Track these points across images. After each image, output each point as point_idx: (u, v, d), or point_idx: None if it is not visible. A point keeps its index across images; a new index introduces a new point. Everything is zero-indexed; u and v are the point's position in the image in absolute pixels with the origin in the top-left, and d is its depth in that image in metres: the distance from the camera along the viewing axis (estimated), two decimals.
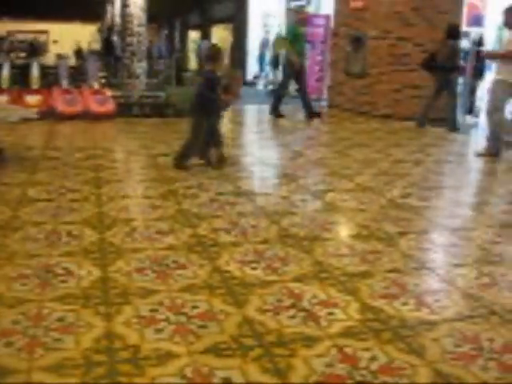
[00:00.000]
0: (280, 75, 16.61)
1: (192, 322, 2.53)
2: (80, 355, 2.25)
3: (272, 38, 17.81)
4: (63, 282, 2.94)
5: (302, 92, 10.67)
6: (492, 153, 7.21)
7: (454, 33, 9.49)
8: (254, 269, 3.17)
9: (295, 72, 10.37)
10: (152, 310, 2.64)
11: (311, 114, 10.47)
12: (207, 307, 2.68)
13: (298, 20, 10.88)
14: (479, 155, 7.32)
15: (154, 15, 15.71)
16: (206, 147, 5.79)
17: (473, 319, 2.71)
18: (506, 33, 7.18)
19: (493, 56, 7.10)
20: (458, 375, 2.22)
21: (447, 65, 9.24)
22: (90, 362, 2.20)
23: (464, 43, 11.88)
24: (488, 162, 7.01)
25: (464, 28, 11.85)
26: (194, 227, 3.88)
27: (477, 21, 12.22)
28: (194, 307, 2.68)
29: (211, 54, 5.84)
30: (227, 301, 2.76)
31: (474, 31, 12.06)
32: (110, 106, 9.58)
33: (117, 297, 2.78)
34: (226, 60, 23.40)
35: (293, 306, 2.73)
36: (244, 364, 2.22)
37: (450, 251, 3.75)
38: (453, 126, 9.33)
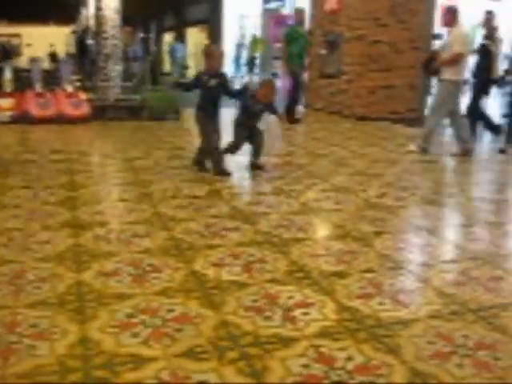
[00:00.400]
0: (256, 77, 16.72)
1: (168, 326, 2.52)
2: (55, 361, 2.22)
3: (248, 39, 17.86)
4: (37, 287, 2.90)
5: (292, 95, 10.50)
6: (466, 152, 7.33)
7: None
8: (230, 271, 3.16)
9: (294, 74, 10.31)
10: (127, 314, 2.61)
11: (290, 118, 10.05)
12: (183, 310, 2.67)
13: (298, 20, 10.63)
14: (452, 155, 7.43)
15: (129, 17, 15.62)
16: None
17: (447, 317, 2.73)
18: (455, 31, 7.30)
19: (442, 64, 7.22)
20: (433, 373, 2.24)
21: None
22: (64, 368, 2.18)
23: (437, 45, 12.01)
24: (462, 162, 7.10)
25: (436, 30, 11.99)
26: (170, 230, 3.87)
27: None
28: (170, 310, 2.67)
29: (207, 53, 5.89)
30: (203, 304, 2.75)
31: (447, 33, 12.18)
32: (85, 110, 9.50)
33: (92, 301, 2.75)
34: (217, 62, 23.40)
35: (269, 307, 2.73)
36: (220, 366, 2.21)
37: (425, 251, 3.78)
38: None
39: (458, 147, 7.41)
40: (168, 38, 28.77)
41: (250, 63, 16.79)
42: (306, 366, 2.24)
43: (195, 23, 25.27)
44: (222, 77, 5.77)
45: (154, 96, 10.27)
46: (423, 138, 7.50)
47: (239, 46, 18.55)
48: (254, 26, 18.29)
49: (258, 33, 17.35)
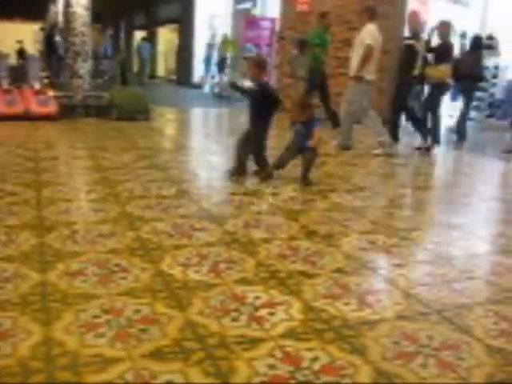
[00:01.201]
0: (227, 78, 16.70)
1: (133, 326, 2.49)
2: (17, 363, 2.18)
3: (218, 39, 17.82)
4: (0, 288, 2.85)
5: (326, 101, 10.24)
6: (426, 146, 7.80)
7: (478, 43, 9.73)
8: (197, 272, 3.15)
9: (320, 81, 10.05)
10: (92, 315, 2.58)
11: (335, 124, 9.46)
12: (149, 311, 2.65)
13: (325, 24, 10.19)
14: (416, 149, 7.65)
15: (99, 15, 15.48)
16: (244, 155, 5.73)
17: (413, 318, 2.77)
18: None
19: (359, 66, 7.43)
20: (398, 373, 2.26)
21: (474, 74, 9.56)
22: (27, 370, 2.14)
23: None
24: (426, 158, 7.20)
25: (407, 34, 12.13)
26: (137, 230, 3.83)
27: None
28: (136, 311, 2.64)
29: (258, 63, 5.74)
30: (170, 304, 2.73)
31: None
32: (52, 107, 9.37)
33: (56, 302, 2.71)
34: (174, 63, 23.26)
35: (236, 308, 2.73)
36: (186, 367, 2.20)
37: (391, 251, 3.82)
38: (462, 136, 9.69)
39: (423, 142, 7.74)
40: (139, 36, 28.57)
41: (221, 63, 16.74)
42: (272, 366, 2.24)
43: (166, 22, 25.13)
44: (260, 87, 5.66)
45: (123, 95, 10.18)
46: (380, 138, 7.65)
47: (210, 46, 18.47)
48: (225, 26, 18.25)
49: (229, 33, 17.32)
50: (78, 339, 2.37)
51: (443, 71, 8.04)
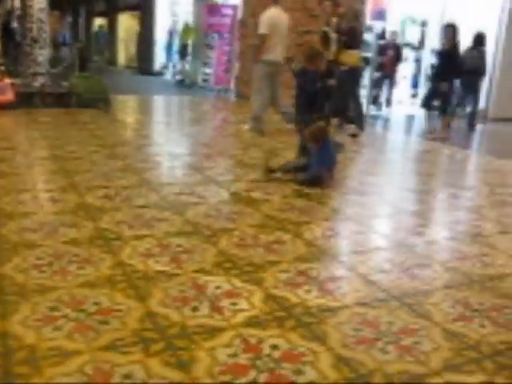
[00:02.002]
0: (188, 66, 16.55)
1: (92, 319, 2.46)
2: None
3: (180, 26, 17.62)
4: None
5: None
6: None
7: (480, 40, 9.91)
8: (157, 262, 3.12)
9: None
10: (50, 308, 2.53)
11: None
12: (108, 302, 2.61)
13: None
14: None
15: (57, 1, 15.14)
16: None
17: (373, 304, 2.79)
18: None
19: (257, 52, 7.76)
20: (358, 359, 2.28)
21: (478, 70, 9.83)
22: None
23: (367, 36, 12.25)
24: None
25: (368, 22, 12.21)
26: (97, 221, 3.77)
27: (380, 15, 12.61)
28: (95, 303, 2.60)
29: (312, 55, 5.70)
30: (129, 295, 2.70)
31: (378, 25, 12.45)
32: (9, 95, 9.14)
33: (13, 295, 2.65)
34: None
35: (197, 297, 2.71)
36: (146, 358, 2.18)
37: (351, 238, 3.85)
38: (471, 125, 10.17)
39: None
40: (99, 23, 28.06)
41: (182, 51, 16.56)
42: (233, 355, 2.24)
43: (127, 9, 24.74)
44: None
45: (82, 83, 9.99)
46: (254, 119, 7.90)
47: (171, 33, 18.25)
48: (186, 13, 18.03)
49: (191, 20, 17.13)
50: (35, 332, 2.32)
51: (354, 56, 8.27)
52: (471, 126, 10.35)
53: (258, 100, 7.91)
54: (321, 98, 5.81)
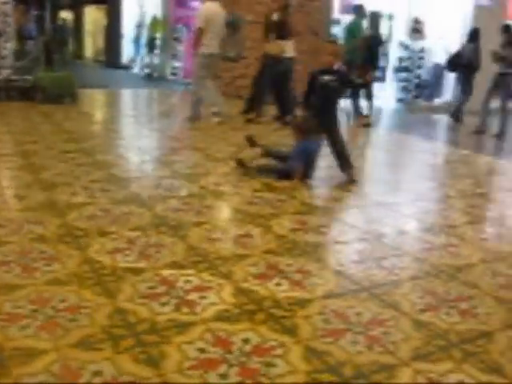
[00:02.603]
0: (156, 59, 16.40)
1: (60, 316, 2.42)
2: None
3: (148, 19, 17.43)
4: None
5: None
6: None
7: (476, 35, 10.29)
8: (126, 257, 3.08)
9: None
10: (17, 306, 2.48)
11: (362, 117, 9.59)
12: (76, 299, 2.57)
13: (360, 11, 10.09)
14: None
15: None
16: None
17: (343, 296, 2.81)
18: None
19: (194, 45, 8.04)
20: (328, 351, 2.29)
21: (473, 64, 10.06)
22: None
23: (336, 31, 12.31)
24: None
25: (336, 16, 12.26)
26: (64, 217, 3.72)
27: (348, 9, 12.65)
28: (63, 300, 2.56)
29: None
30: (98, 292, 2.66)
31: (346, 19, 12.50)
32: None
33: None
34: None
35: (166, 292, 2.69)
36: (115, 355, 2.16)
37: (320, 231, 3.86)
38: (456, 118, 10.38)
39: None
40: (65, 16, 27.63)
41: (150, 44, 16.39)
42: (202, 350, 2.23)
43: (93, 1, 24.40)
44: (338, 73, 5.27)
45: (48, 77, 9.83)
46: (210, 106, 8.18)
47: (139, 26, 18.04)
48: (154, 5, 17.83)
49: (159, 13, 16.96)
50: (1, 332, 2.28)
51: (276, 47, 8.44)
52: (457, 120, 10.51)
53: (205, 89, 8.16)
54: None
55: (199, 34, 7.87)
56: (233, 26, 11.52)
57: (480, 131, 9.46)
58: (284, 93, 8.77)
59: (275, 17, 8.50)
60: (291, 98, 8.66)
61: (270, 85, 8.71)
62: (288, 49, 8.58)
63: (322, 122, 5.15)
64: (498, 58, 9.31)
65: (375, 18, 10.05)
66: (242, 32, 11.37)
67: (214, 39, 7.98)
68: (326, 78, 5.12)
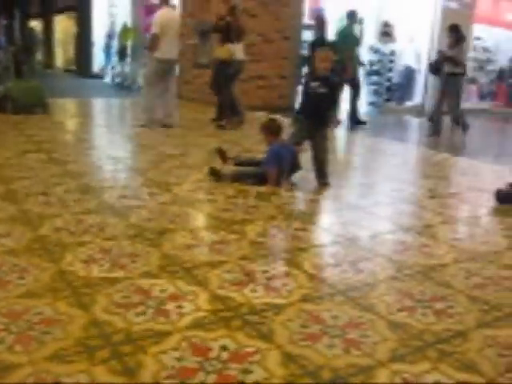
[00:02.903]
0: (128, 67, 16.32)
1: (34, 329, 2.38)
2: None
3: (118, 27, 17.36)
4: None
5: (354, 100, 10.51)
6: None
7: (460, 37, 10.23)
8: (100, 268, 3.05)
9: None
10: None
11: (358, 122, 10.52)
12: (51, 312, 2.54)
13: (353, 17, 10.47)
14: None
15: None
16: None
17: (318, 300, 2.82)
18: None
19: (150, 50, 8.29)
20: (305, 355, 2.29)
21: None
22: None
23: (306, 36, 12.39)
24: None
25: (306, 21, 12.35)
26: (36, 228, 3.67)
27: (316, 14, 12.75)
28: (37, 313, 2.52)
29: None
30: (72, 303, 2.63)
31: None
32: None
33: None
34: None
35: (141, 302, 2.67)
36: (91, 367, 2.13)
37: (295, 236, 3.87)
38: (464, 126, 9.85)
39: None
40: (34, 25, 27.37)
41: (121, 52, 16.32)
42: (179, 359, 2.21)
43: (63, 10, 24.22)
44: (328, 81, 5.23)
45: (18, 87, 9.72)
46: (144, 113, 8.41)
47: (109, 34, 17.96)
48: (124, 14, 17.77)
49: (129, 21, 16.90)
50: None
51: (226, 50, 8.68)
52: (457, 124, 10.03)
53: (148, 94, 8.43)
54: None
55: (155, 39, 8.08)
56: (204, 32, 11.56)
57: (434, 133, 9.53)
58: (223, 96, 8.95)
59: (223, 21, 8.71)
60: (229, 102, 8.87)
61: (226, 87, 8.90)
62: (238, 52, 8.74)
63: (312, 123, 5.22)
64: (445, 58, 9.43)
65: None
66: (212, 39, 11.41)
67: (169, 44, 8.18)
68: (313, 84, 5.19)
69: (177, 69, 9.63)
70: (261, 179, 5.02)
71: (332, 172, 5.49)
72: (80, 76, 20.01)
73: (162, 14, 8.17)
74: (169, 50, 8.17)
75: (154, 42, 8.10)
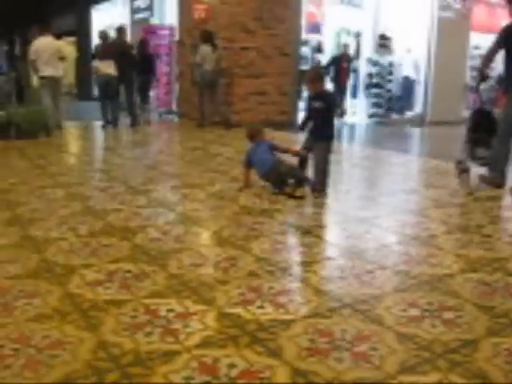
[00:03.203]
0: None
1: (43, 353, 2.38)
2: None
3: None
4: None
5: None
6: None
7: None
8: (107, 289, 3.06)
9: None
10: None
11: None
12: (59, 335, 2.54)
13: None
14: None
15: None
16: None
17: (326, 314, 2.81)
18: None
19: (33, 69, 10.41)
20: (315, 370, 2.28)
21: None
22: None
23: (304, 50, 12.47)
24: None
25: (304, 36, 12.43)
26: (42, 252, 3.68)
27: (315, 29, 12.85)
28: (45, 337, 2.53)
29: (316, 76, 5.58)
30: (80, 326, 2.64)
31: (314, 38, 12.70)
32: None
33: None
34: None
35: (149, 322, 2.67)
36: None
37: (300, 251, 3.88)
38: None
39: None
40: None
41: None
42: (188, 377, 2.21)
43: (63, 35, 24.44)
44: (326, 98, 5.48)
45: (21, 112, 9.79)
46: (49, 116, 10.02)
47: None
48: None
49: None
50: None
51: (104, 66, 10.74)
52: None
53: (44, 99, 10.24)
54: None
55: (32, 63, 10.12)
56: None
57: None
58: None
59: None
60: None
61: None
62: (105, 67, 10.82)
63: (315, 135, 5.48)
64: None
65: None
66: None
67: (45, 65, 10.05)
68: (314, 103, 5.42)
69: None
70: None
71: (335, 183, 5.49)
72: (82, 99, 20.12)
73: (33, 44, 10.15)
74: (45, 68, 10.03)
75: (32, 66, 10.20)
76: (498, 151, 5.96)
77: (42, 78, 10.15)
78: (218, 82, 10.88)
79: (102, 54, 10.95)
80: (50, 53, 10.14)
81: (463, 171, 5.97)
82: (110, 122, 11.13)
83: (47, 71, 10.11)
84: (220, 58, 10.76)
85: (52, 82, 10.19)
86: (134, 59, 11.58)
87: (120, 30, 11.44)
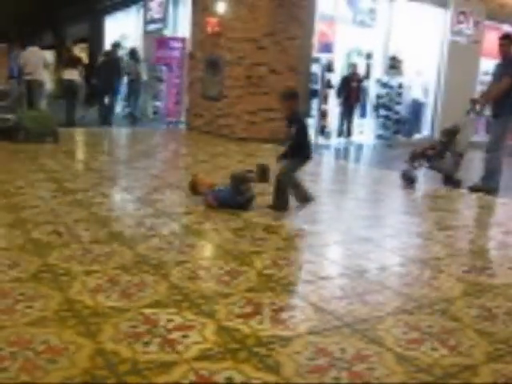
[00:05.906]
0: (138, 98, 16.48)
1: (41, 358, 2.38)
2: None
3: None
4: None
5: None
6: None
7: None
8: (107, 297, 3.06)
9: None
10: None
11: None
12: (57, 341, 2.54)
13: None
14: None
15: (4, 34, 15.10)
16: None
17: (326, 332, 2.80)
18: None
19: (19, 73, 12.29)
20: None
21: None
22: None
23: (315, 68, 12.52)
24: None
25: (315, 54, 12.49)
26: (45, 257, 3.68)
27: (327, 48, 12.91)
28: (43, 342, 2.52)
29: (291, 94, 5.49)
30: (79, 332, 2.63)
31: (325, 57, 12.76)
32: None
33: None
34: None
35: (148, 332, 2.67)
36: None
37: (303, 267, 3.87)
38: None
39: None
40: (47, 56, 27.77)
41: (131, 84, 16.50)
42: None
43: (75, 42, 24.65)
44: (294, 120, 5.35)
45: (30, 116, 9.85)
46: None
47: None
48: (136, 47, 18.02)
49: (141, 54, 17.13)
50: None
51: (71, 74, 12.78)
52: None
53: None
54: None
55: (22, 68, 11.88)
56: (214, 65, 11.70)
57: None
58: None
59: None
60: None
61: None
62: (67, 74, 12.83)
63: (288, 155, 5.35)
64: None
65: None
66: (221, 72, 11.54)
67: (30, 70, 11.69)
68: (291, 129, 5.27)
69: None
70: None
71: (337, 203, 5.48)
72: (90, 106, 20.22)
73: (23, 53, 12.14)
74: (29, 73, 11.68)
75: (21, 70, 11.92)
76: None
77: (25, 80, 11.75)
78: None
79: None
80: (35, 60, 11.92)
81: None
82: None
83: (30, 75, 11.76)
84: None
85: (34, 84, 11.76)
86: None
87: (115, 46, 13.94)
